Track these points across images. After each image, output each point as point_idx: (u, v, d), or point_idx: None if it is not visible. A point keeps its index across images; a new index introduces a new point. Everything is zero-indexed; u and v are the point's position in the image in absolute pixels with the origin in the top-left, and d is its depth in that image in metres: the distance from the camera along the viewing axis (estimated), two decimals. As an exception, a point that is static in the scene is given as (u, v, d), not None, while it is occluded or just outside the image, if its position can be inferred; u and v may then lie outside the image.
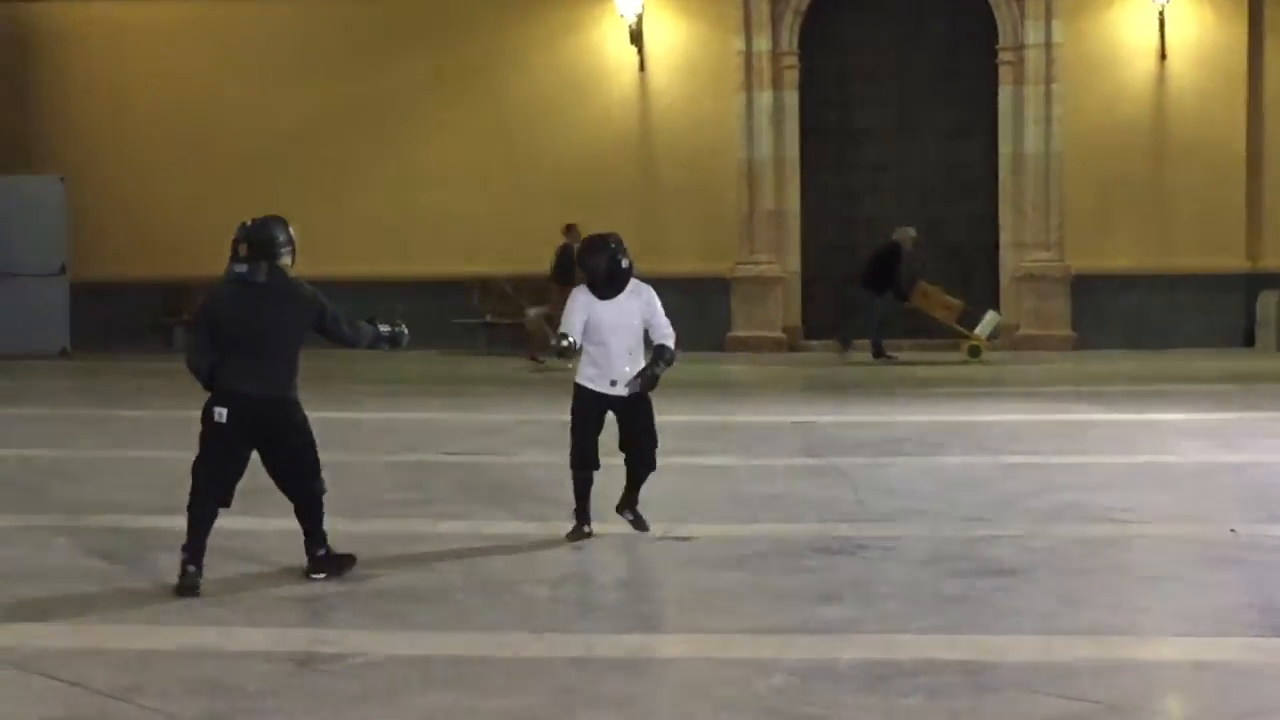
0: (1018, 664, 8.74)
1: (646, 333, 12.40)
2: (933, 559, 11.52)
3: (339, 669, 8.73)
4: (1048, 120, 29.61)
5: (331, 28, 30.89)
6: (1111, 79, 29.73)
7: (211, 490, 10.62)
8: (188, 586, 10.41)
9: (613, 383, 12.15)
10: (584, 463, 12.25)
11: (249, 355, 10.59)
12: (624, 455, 12.38)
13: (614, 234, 12.38)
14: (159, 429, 19.21)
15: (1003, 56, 29.74)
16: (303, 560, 10.93)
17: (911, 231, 28.11)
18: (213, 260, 32.70)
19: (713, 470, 15.91)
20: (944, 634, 9.38)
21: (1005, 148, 29.88)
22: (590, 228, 28.47)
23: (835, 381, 24.68)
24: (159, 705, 8.09)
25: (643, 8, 29.87)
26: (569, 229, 26.78)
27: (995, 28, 29.79)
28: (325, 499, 10.93)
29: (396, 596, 10.54)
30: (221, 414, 10.55)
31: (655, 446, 12.37)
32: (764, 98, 30.06)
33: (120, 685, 8.43)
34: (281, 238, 10.85)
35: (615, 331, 12.15)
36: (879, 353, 27.85)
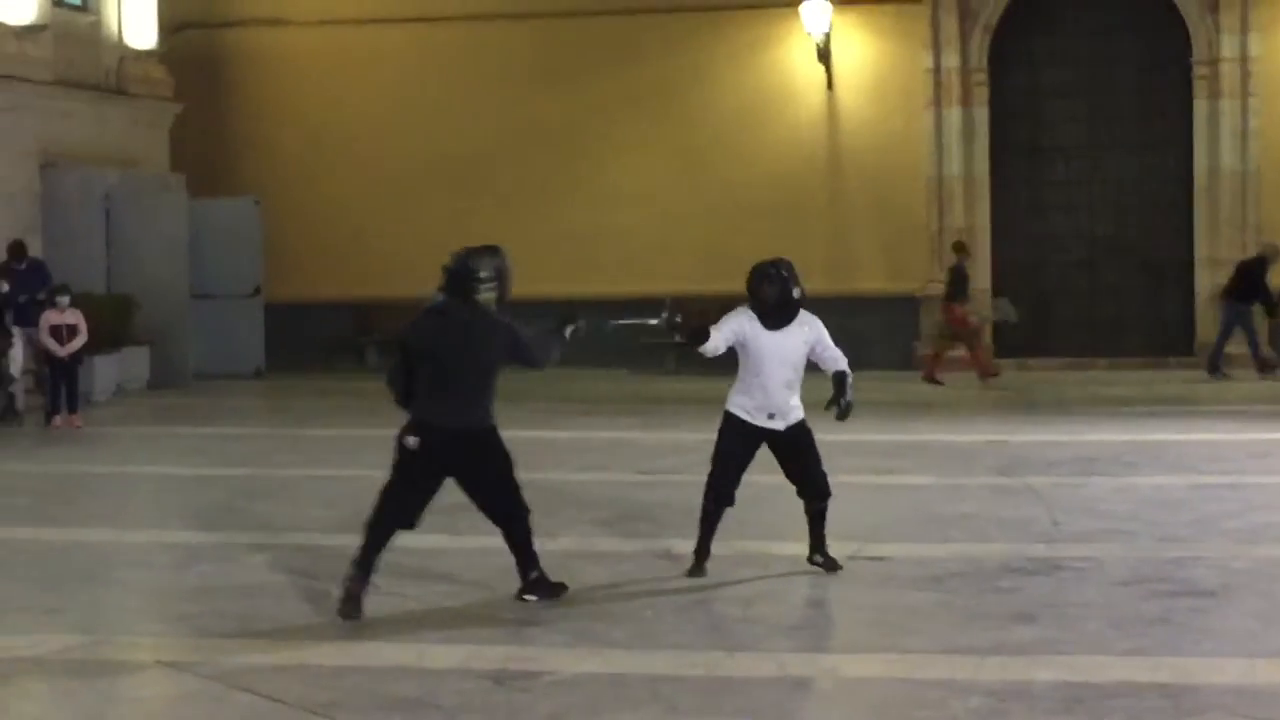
0: (1220, 686, 8.60)
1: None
2: (1130, 580, 11.36)
3: (534, 687, 8.77)
4: (1243, 134, 29.13)
5: (520, 49, 31.09)
6: (1308, 93, 29.21)
7: (396, 516, 10.63)
8: (351, 600, 10.40)
9: (771, 415, 11.67)
10: (722, 497, 11.79)
11: (445, 389, 10.51)
12: (797, 490, 11.95)
13: (785, 260, 11.88)
14: (351, 448, 19.41)
15: (1198, 70, 29.30)
16: (497, 579, 10.97)
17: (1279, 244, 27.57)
18: (402, 281, 33.27)
19: (905, 489, 15.81)
20: (1143, 656, 9.25)
21: (1200, 162, 29.42)
22: (780, 245, 28.71)
23: (1027, 400, 24.42)
24: (357, 721, 8.18)
25: (830, 26, 29.77)
26: (960, 246, 26.74)
27: (1189, 41, 29.36)
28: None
29: (589, 614, 10.56)
30: (414, 443, 10.48)
31: (824, 474, 11.90)
32: (953, 115, 29.84)
33: (318, 701, 8.52)
34: (484, 274, 10.60)
35: (778, 363, 11.64)
36: (1215, 368, 27.08)
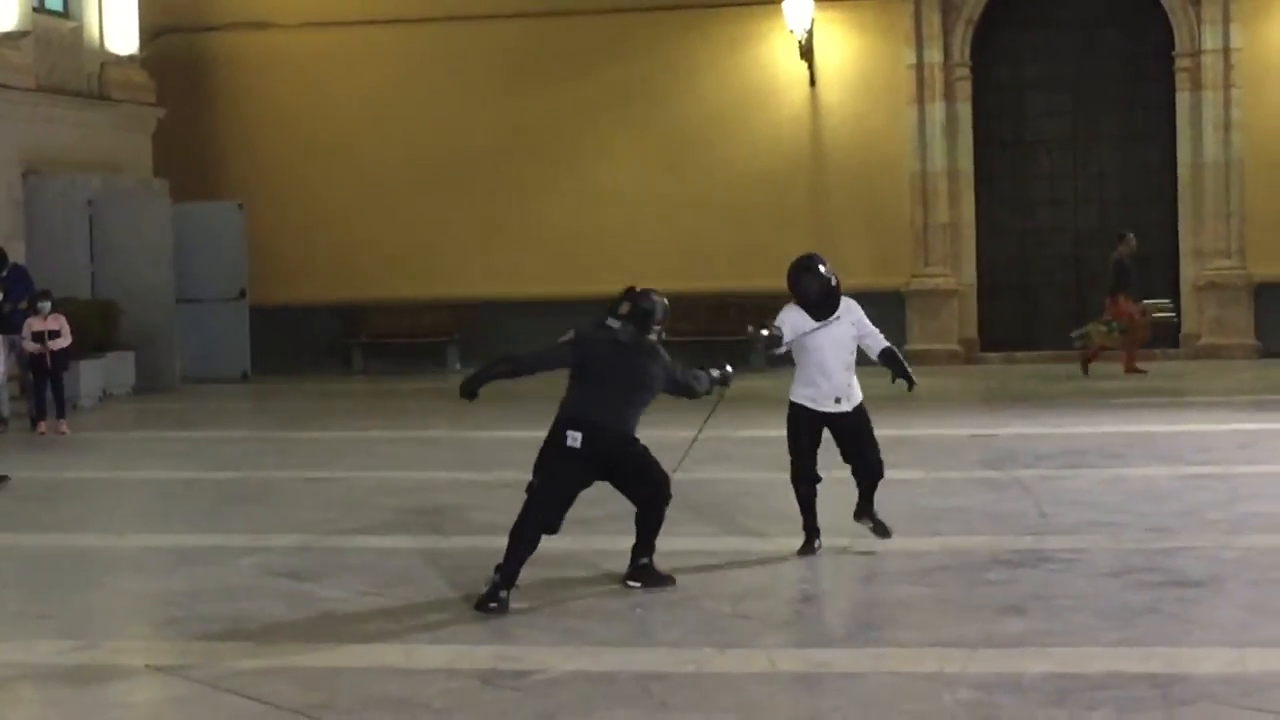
0: (1210, 676, 8.61)
1: None
2: (1118, 571, 11.38)
3: (523, 685, 8.77)
4: (1226, 126, 29.14)
5: (503, 49, 31.05)
6: (1292, 83, 29.24)
7: (547, 515, 10.85)
8: (499, 606, 10.52)
9: (837, 400, 12.22)
10: (809, 478, 12.30)
11: (615, 394, 10.99)
12: (851, 468, 12.50)
13: (815, 254, 12.54)
14: (340, 450, 19.42)
15: (1180, 63, 29.31)
16: (486, 579, 10.96)
17: None
18: (387, 283, 33.20)
19: (893, 484, 15.72)
20: (1132, 646, 9.26)
21: (1183, 155, 29.43)
22: (764, 243, 28.86)
23: (1014, 394, 24.44)
24: (347, 722, 8.18)
25: (812, 22, 29.76)
26: (1121, 238, 26.64)
27: (1171, 34, 29.36)
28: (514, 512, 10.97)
29: (578, 613, 10.58)
30: (576, 438, 10.83)
31: (879, 454, 12.47)
32: (936, 110, 29.85)
33: (308, 702, 8.52)
34: (659, 315, 11.17)
35: (834, 350, 12.20)
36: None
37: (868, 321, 12.43)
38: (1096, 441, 18.30)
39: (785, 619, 10.57)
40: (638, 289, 11.33)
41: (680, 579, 11.45)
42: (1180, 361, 28.36)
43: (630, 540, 11.89)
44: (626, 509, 12.23)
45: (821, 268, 12.27)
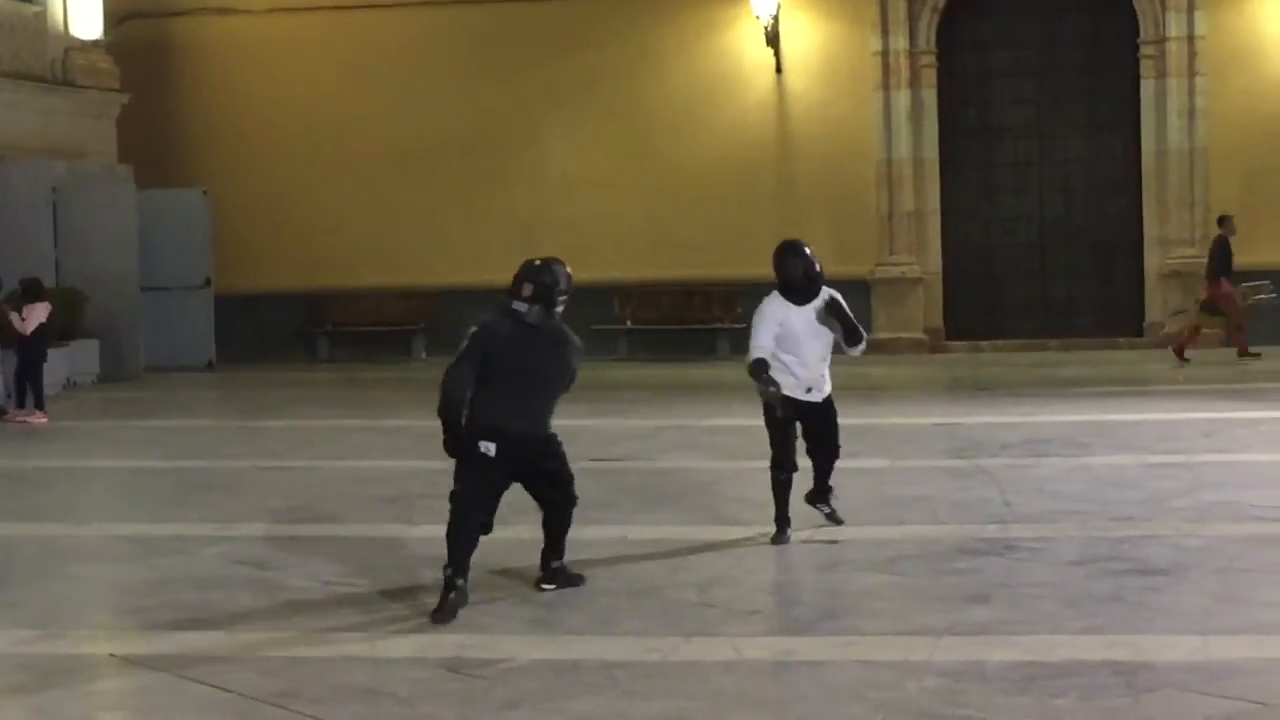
0: (1173, 664, 8.63)
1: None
2: (1083, 559, 11.40)
3: (489, 674, 8.76)
4: (1191, 114, 29.22)
5: (468, 36, 31.03)
6: (1255, 71, 29.29)
7: (477, 516, 10.47)
8: (453, 605, 10.14)
9: (809, 390, 12.25)
10: (786, 465, 12.27)
11: (520, 394, 10.53)
12: (810, 450, 12.54)
13: (799, 239, 12.64)
14: (305, 439, 19.39)
15: (1144, 50, 29.39)
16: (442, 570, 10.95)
17: None
18: (352, 271, 33.11)
19: (858, 473, 15.77)
20: (1097, 634, 9.29)
21: (1148, 143, 29.51)
22: (730, 230, 28.89)
23: (978, 382, 24.49)
24: (312, 711, 8.16)
25: (778, 9, 29.78)
26: (1223, 220, 26.59)
27: (1136, 21, 29.44)
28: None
29: (543, 601, 10.58)
30: (489, 448, 10.41)
31: (839, 445, 12.60)
32: (902, 97, 29.89)
33: (273, 691, 8.51)
34: (563, 286, 10.72)
35: (811, 338, 12.22)
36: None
37: (848, 311, 12.37)
38: (1061, 430, 18.34)
39: (751, 607, 10.57)
40: (537, 263, 10.89)
41: (646, 568, 11.47)
42: (1143, 350, 28.42)
43: (596, 528, 11.93)
44: (594, 497, 12.24)
45: (806, 250, 12.35)
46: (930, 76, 30.03)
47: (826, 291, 12.34)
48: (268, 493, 15.34)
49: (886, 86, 29.90)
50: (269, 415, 22.31)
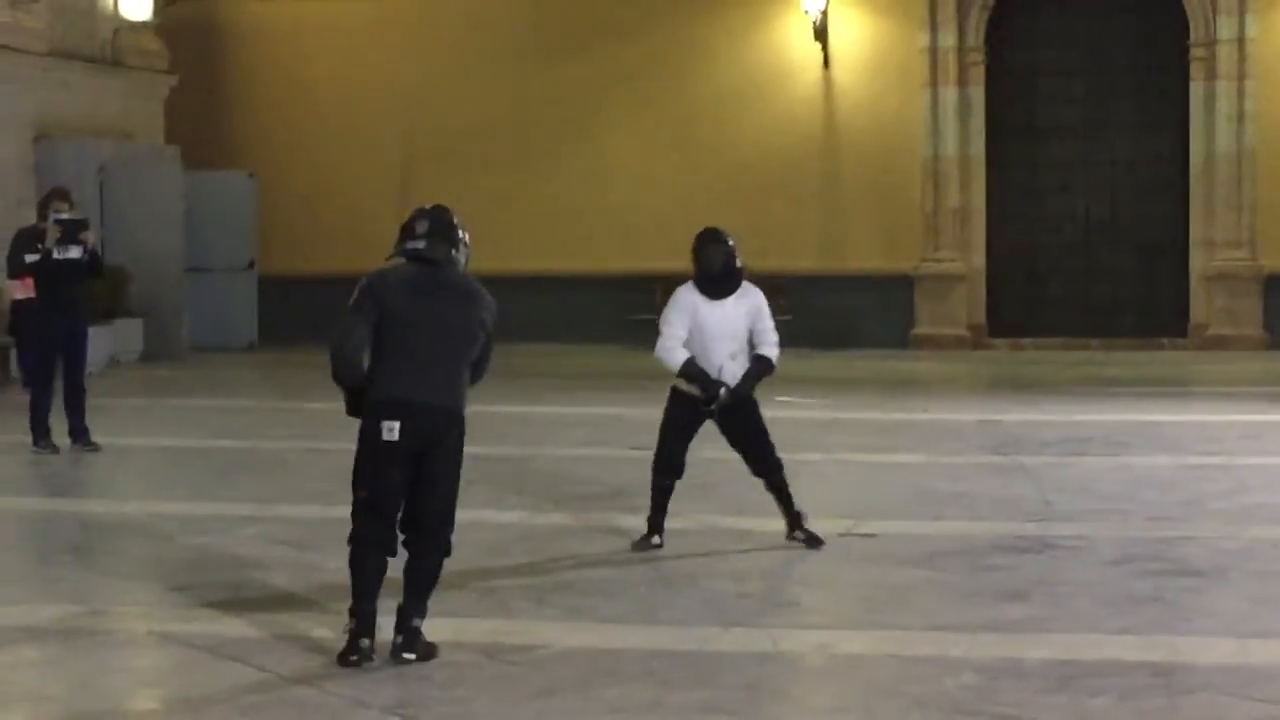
0: (1211, 666, 8.62)
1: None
2: (1121, 559, 11.38)
3: (525, 660, 8.77)
4: (1240, 117, 29.04)
5: (515, 23, 31.02)
6: (1307, 74, 29.17)
7: (377, 531, 8.80)
8: (359, 658, 8.61)
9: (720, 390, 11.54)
10: (671, 469, 11.74)
11: (423, 357, 8.83)
12: (747, 464, 11.90)
13: (720, 228, 11.93)
14: (345, 421, 19.37)
15: (1194, 52, 29.23)
16: (488, 553, 10.94)
17: None
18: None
19: (897, 468, 15.82)
20: (1134, 635, 9.27)
21: (1196, 145, 29.34)
22: (773, 223, 28.86)
23: (1020, 380, 24.43)
24: (347, 692, 8.18)
25: (827, 4, 29.70)
26: None
27: (1186, 23, 29.28)
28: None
29: (580, 589, 10.58)
30: (393, 429, 8.79)
31: (772, 446, 11.82)
32: (949, 94, 29.79)
33: (308, 672, 8.53)
34: (459, 224, 9.08)
35: (719, 336, 11.56)
36: None
37: (769, 317, 11.78)
38: (1102, 429, 18.30)
39: (788, 600, 10.57)
40: (428, 206, 9.17)
41: (683, 558, 11.46)
42: (1188, 351, 28.32)
43: (635, 517, 11.90)
44: (633, 486, 12.17)
45: (729, 240, 11.78)
46: (979, 74, 29.92)
47: (755, 293, 11.77)
48: (307, 474, 15.37)
49: (934, 83, 29.80)
50: (310, 397, 22.28)
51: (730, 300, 11.65)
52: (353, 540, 8.84)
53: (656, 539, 11.74)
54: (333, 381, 9.19)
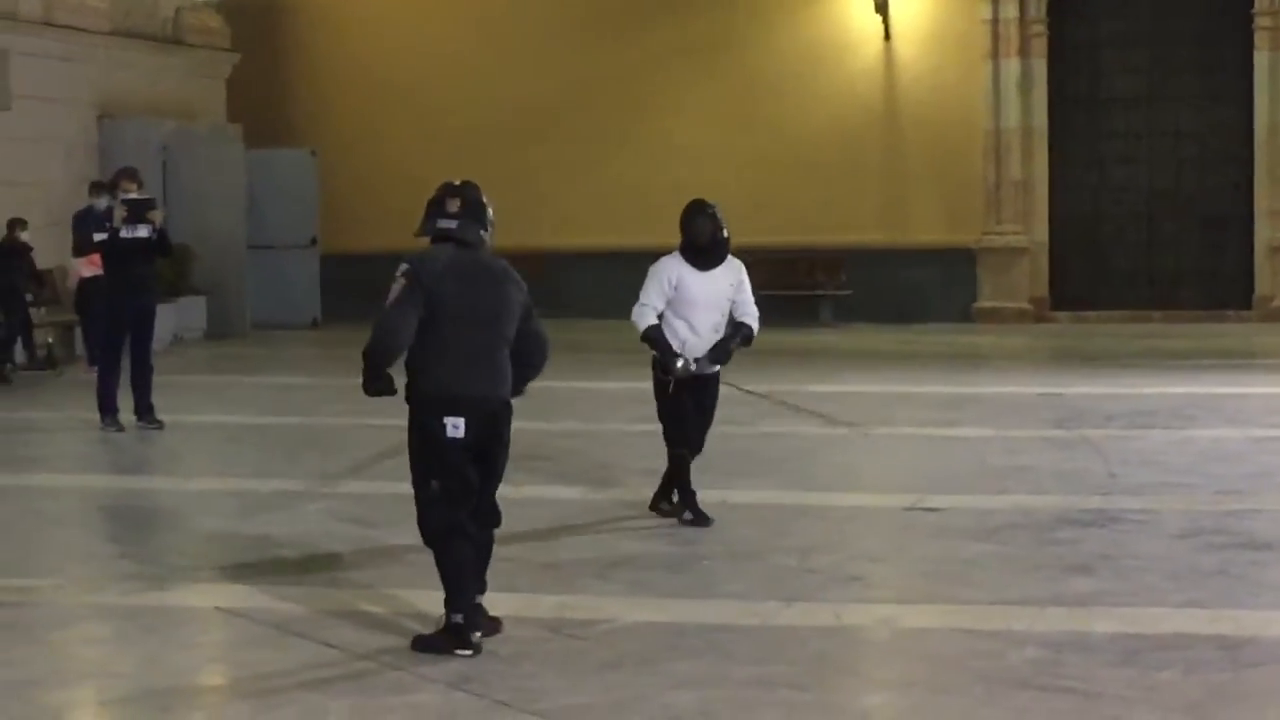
0: (1277, 639, 8.57)
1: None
2: (1187, 532, 11.31)
3: (590, 635, 8.78)
4: (1305, 86, 28.86)
5: (577, 1, 31.04)
6: (1374, 42, 28.92)
7: (459, 520, 8.60)
8: (474, 653, 8.38)
9: (696, 361, 11.53)
10: (691, 442, 11.76)
11: (473, 348, 8.59)
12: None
13: (707, 200, 11.91)
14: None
15: (1259, 21, 29.00)
16: (552, 528, 10.93)
17: None
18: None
19: (961, 441, 15.77)
20: (1200, 608, 9.23)
21: (1260, 115, 29.12)
22: (834, 197, 28.79)
23: (1083, 353, 24.32)
24: (413, 667, 8.21)
25: (888, -24, 29.63)
26: None
27: (1251, -9, 29.10)
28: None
29: (643, 564, 10.59)
30: (459, 425, 8.50)
31: (708, 428, 11.86)
32: (1011, 66, 29.63)
33: (373, 648, 8.56)
34: (488, 204, 8.89)
35: (704, 307, 11.57)
36: None
37: (749, 291, 11.75)
38: (1166, 402, 18.20)
39: (852, 574, 10.54)
40: (456, 181, 8.97)
41: (747, 532, 11.46)
42: (1252, 324, 28.15)
43: (702, 493, 11.86)
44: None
45: (716, 212, 11.76)
46: (1040, 45, 29.75)
47: (738, 265, 11.76)
48: (371, 450, 15.41)
49: (996, 55, 29.65)
50: (373, 374, 22.41)
51: (719, 271, 11.68)
52: (439, 535, 8.59)
53: (688, 514, 11.72)
54: (361, 359, 8.97)
